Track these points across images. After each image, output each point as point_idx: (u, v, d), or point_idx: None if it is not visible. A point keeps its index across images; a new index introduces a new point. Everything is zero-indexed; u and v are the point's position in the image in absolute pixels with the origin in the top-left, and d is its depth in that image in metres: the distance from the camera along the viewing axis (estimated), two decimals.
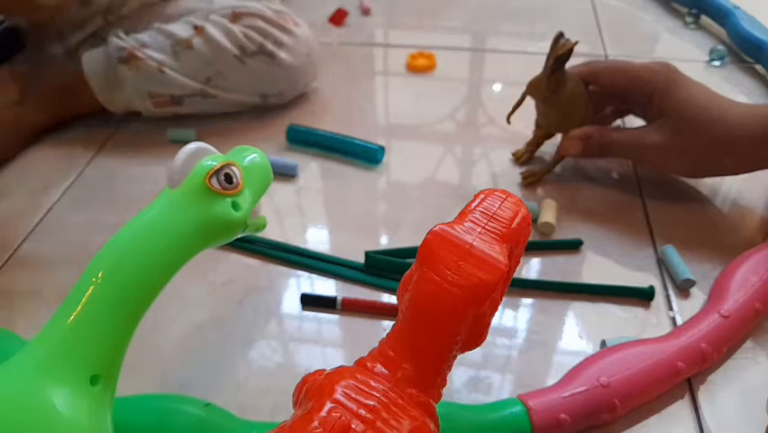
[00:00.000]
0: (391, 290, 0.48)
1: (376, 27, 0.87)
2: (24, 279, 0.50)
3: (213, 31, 0.61)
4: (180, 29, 0.62)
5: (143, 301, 0.30)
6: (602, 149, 0.54)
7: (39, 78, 0.64)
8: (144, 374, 0.42)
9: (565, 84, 0.54)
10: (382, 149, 0.62)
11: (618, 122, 0.61)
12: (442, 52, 0.78)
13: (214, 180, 0.31)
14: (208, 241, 0.32)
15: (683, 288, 0.48)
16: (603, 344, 0.43)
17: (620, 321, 0.46)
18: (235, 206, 0.33)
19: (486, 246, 0.25)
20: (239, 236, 0.34)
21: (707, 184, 0.58)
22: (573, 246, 0.52)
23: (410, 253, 0.51)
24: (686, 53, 0.79)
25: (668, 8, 0.90)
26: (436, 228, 0.25)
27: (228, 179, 0.32)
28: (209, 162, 0.32)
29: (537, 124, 0.59)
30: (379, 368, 0.25)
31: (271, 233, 0.53)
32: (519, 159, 0.61)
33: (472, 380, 0.42)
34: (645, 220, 0.54)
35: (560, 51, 0.51)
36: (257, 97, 0.66)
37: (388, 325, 0.46)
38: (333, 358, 0.44)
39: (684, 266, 0.48)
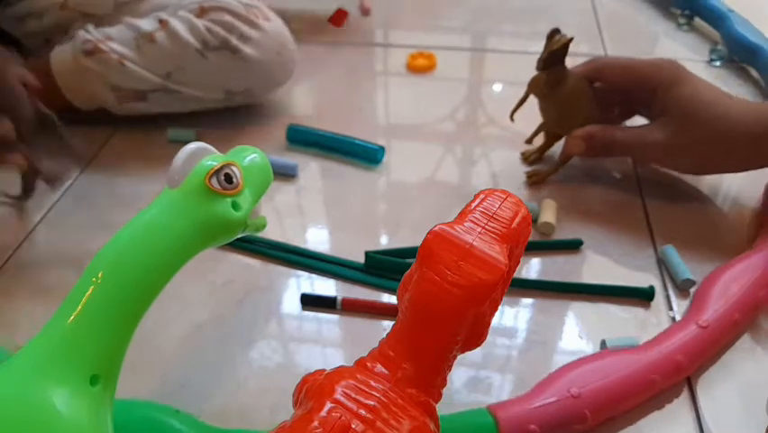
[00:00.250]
0: (391, 290, 0.48)
1: (376, 27, 0.87)
2: (24, 279, 0.50)
3: (176, 25, 0.60)
4: (146, 23, 0.61)
5: (143, 301, 0.30)
6: (606, 148, 0.54)
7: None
8: (144, 374, 0.42)
9: (565, 81, 0.54)
10: (382, 149, 0.62)
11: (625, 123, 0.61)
12: (442, 52, 0.78)
13: (214, 180, 0.31)
14: (208, 241, 0.32)
15: (683, 288, 0.48)
16: (603, 344, 0.43)
17: (620, 321, 0.46)
18: (235, 206, 0.33)
19: (486, 246, 0.25)
20: (239, 236, 0.34)
21: (707, 184, 0.58)
22: (573, 246, 0.52)
23: (410, 253, 0.51)
24: (686, 53, 0.79)
25: (666, 9, 0.89)
26: (436, 228, 0.25)
27: (228, 179, 0.32)
28: (209, 162, 0.32)
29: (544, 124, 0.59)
30: (379, 368, 0.25)
31: (271, 233, 0.53)
32: (528, 159, 0.61)
33: (472, 380, 0.42)
34: (645, 220, 0.54)
35: (554, 47, 0.51)
36: (221, 94, 0.63)
37: (388, 325, 0.46)
38: (333, 358, 0.44)
39: (684, 266, 0.48)
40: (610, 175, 0.59)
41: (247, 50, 0.61)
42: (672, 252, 0.50)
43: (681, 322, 0.43)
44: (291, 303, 0.48)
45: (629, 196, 0.57)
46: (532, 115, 0.58)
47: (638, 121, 0.57)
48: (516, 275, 0.43)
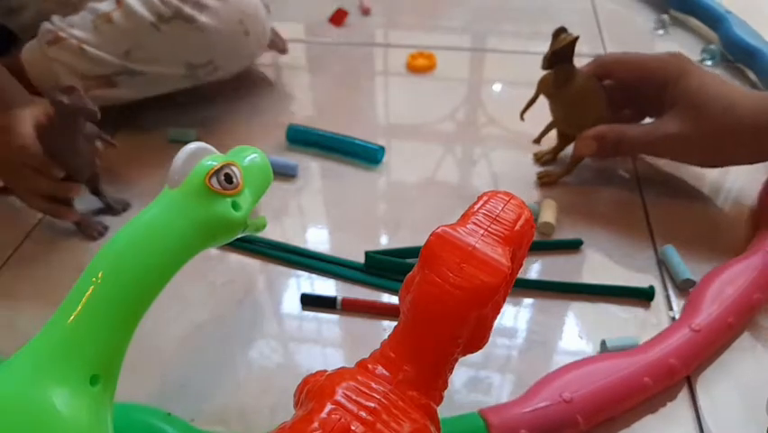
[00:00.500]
0: (391, 290, 0.48)
1: (376, 27, 0.87)
2: (25, 278, 0.50)
3: (131, 1, 0.58)
4: (105, 4, 0.59)
5: (143, 301, 0.30)
6: (617, 147, 0.54)
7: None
8: (144, 374, 0.42)
9: (573, 80, 0.53)
10: (382, 149, 0.62)
11: None
12: (442, 52, 0.78)
13: (214, 180, 0.31)
14: (208, 241, 0.32)
15: (683, 288, 0.48)
16: (603, 344, 0.43)
17: (620, 321, 0.46)
18: (235, 206, 0.33)
19: (488, 248, 0.25)
20: (239, 236, 0.34)
21: (707, 183, 0.58)
22: (573, 246, 0.52)
23: (410, 253, 0.51)
24: (685, 52, 0.79)
25: (665, 10, 0.89)
26: (439, 230, 0.25)
27: (228, 179, 0.32)
28: (209, 162, 0.32)
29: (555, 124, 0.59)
30: (380, 370, 0.25)
31: (271, 233, 0.53)
32: (540, 160, 0.61)
33: (472, 380, 0.42)
34: (645, 220, 0.54)
35: (558, 45, 0.51)
36: (182, 68, 0.61)
37: (387, 325, 0.46)
38: (333, 358, 0.44)
39: (684, 266, 0.48)
40: (610, 175, 0.59)
41: (203, 18, 0.59)
42: (671, 252, 0.50)
43: (674, 325, 0.43)
44: (291, 303, 0.48)
45: (629, 196, 0.57)
46: (532, 115, 0.58)
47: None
48: None
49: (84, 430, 0.26)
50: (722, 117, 0.49)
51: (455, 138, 0.66)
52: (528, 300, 0.48)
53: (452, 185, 0.60)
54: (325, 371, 0.26)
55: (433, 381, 0.26)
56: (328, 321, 0.46)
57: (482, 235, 0.25)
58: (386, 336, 0.27)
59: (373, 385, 0.24)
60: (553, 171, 0.58)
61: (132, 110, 0.65)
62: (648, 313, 0.46)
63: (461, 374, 0.42)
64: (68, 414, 0.26)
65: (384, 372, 0.25)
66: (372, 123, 0.68)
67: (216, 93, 0.69)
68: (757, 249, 0.47)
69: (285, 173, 0.59)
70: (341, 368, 0.26)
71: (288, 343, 0.45)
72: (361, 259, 0.50)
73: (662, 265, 0.50)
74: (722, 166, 0.54)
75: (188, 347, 0.45)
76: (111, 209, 0.55)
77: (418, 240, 0.25)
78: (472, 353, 0.27)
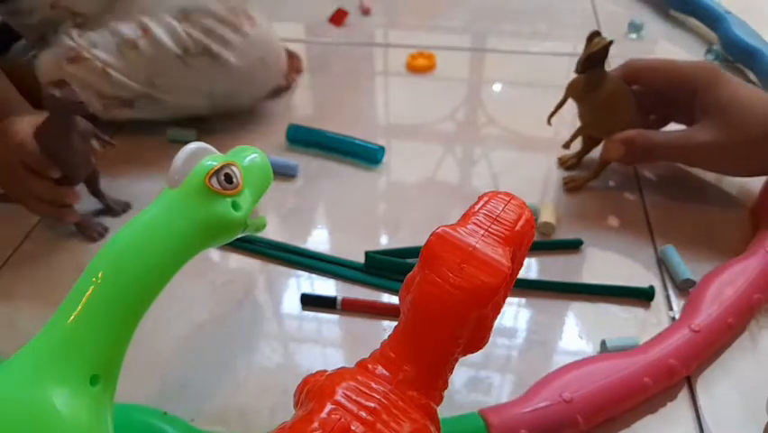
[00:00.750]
0: (391, 290, 0.48)
1: (376, 27, 0.87)
2: (24, 278, 0.50)
3: (158, 31, 0.59)
4: (128, 28, 0.60)
5: (143, 301, 0.30)
6: (647, 152, 0.53)
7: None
8: (144, 374, 0.42)
9: (603, 84, 0.53)
10: (382, 149, 0.62)
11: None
12: (442, 52, 0.78)
13: (214, 180, 0.31)
14: (208, 241, 0.32)
15: (683, 288, 0.48)
16: (603, 344, 0.43)
17: (620, 321, 0.46)
18: (235, 206, 0.33)
19: (489, 249, 0.25)
20: (239, 236, 0.34)
21: (707, 184, 0.58)
22: (573, 246, 0.52)
23: (410, 253, 0.51)
24: (682, 53, 0.79)
25: (665, 11, 0.89)
26: (439, 230, 0.25)
27: (228, 179, 0.32)
28: (209, 162, 0.32)
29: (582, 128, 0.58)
30: (381, 370, 0.25)
31: (271, 233, 0.53)
32: (565, 164, 0.60)
33: (472, 380, 0.42)
34: (645, 220, 0.54)
35: (593, 49, 0.51)
36: (205, 100, 0.63)
37: (388, 325, 0.46)
38: (333, 358, 0.44)
39: (684, 266, 0.48)
40: (610, 175, 0.59)
41: (228, 56, 0.60)
42: (672, 252, 0.50)
43: (674, 325, 0.43)
44: (291, 303, 0.48)
45: (629, 196, 0.57)
46: (533, 116, 0.58)
47: (672, 128, 0.56)
48: None
49: (84, 430, 0.26)
50: (756, 126, 0.49)
51: (455, 138, 0.66)
52: (528, 300, 0.48)
53: (452, 185, 0.60)
54: (325, 371, 0.26)
55: (433, 381, 0.26)
56: (328, 321, 0.46)
57: (483, 236, 0.25)
58: (386, 336, 0.27)
59: (373, 385, 0.24)
60: (578, 176, 0.58)
61: None
62: (648, 313, 0.46)
63: (461, 374, 0.42)
64: (68, 414, 0.26)
65: (384, 372, 0.25)
66: (372, 123, 0.68)
67: None
68: (757, 249, 0.47)
69: (285, 173, 0.59)
70: (341, 368, 0.26)
71: (288, 343, 0.45)
72: (360, 259, 0.50)
73: (662, 265, 0.50)
74: (755, 175, 0.54)
75: (188, 347, 0.45)
76: (111, 210, 0.55)
77: (418, 240, 0.25)
78: (472, 353, 0.27)
